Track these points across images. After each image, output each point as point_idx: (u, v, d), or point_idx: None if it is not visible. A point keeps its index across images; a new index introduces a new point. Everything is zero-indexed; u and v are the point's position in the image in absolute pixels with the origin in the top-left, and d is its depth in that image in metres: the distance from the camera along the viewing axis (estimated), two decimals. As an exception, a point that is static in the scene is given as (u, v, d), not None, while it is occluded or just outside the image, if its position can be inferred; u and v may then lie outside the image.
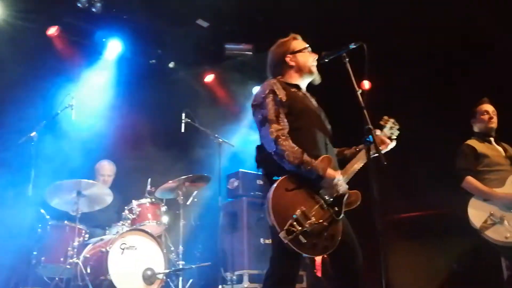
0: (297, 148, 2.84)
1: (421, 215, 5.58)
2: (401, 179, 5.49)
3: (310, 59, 3.18)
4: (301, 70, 3.18)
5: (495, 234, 3.96)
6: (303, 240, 2.69)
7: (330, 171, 2.83)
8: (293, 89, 3.10)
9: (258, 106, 3.00)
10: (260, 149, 3.02)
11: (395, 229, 5.57)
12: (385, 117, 3.24)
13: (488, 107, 4.46)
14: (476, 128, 4.49)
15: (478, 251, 4.38)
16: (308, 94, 3.22)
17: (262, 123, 2.95)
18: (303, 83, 3.22)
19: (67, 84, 5.86)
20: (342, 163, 3.10)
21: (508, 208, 4.04)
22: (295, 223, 2.70)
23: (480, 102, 4.51)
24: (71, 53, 6.18)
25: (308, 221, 2.73)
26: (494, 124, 4.40)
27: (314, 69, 3.18)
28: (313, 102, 3.21)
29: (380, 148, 2.96)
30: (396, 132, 3.23)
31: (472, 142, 4.39)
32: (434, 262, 5.43)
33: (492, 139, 4.42)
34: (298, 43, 3.23)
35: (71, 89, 5.53)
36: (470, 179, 4.17)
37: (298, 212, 2.73)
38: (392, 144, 3.15)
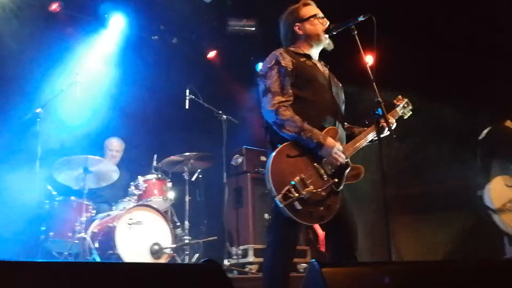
0: (297, 117, 2.85)
1: (428, 189, 5.60)
2: (409, 154, 5.50)
3: (318, 27, 3.12)
4: (310, 39, 3.14)
5: (509, 220, 3.98)
6: (299, 207, 2.71)
7: (329, 140, 2.83)
8: (302, 59, 3.07)
9: (263, 76, 3.02)
10: None
11: (402, 203, 5.60)
12: (399, 96, 3.25)
13: None
14: None
15: (478, 228, 4.40)
16: (319, 64, 3.18)
17: (264, 93, 2.96)
18: (314, 51, 3.19)
19: (71, 61, 5.84)
20: (350, 138, 3.10)
21: None
22: (292, 189, 2.71)
23: None
24: (73, 29, 6.13)
25: (306, 189, 2.74)
26: None
27: (323, 37, 3.13)
28: (325, 72, 3.16)
29: (389, 121, 2.98)
30: (409, 113, 3.25)
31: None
32: (437, 235, 5.49)
33: None
34: (308, 9, 3.17)
35: (75, 65, 5.50)
36: None
37: (297, 178, 2.74)
38: (393, 126, 3.13)
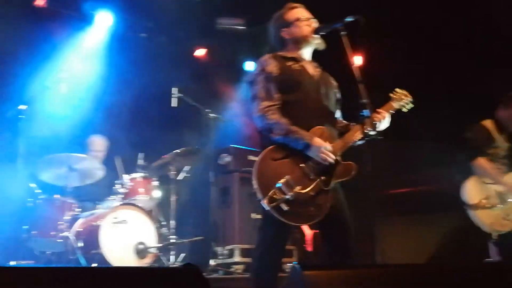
0: (284, 119, 2.88)
1: (412, 191, 5.62)
2: (394, 155, 5.51)
3: (304, 29, 3.12)
4: (298, 42, 3.15)
5: (484, 217, 4.07)
6: (285, 208, 2.72)
7: (316, 139, 2.85)
8: (289, 63, 3.08)
9: (251, 83, 3.06)
10: None
11: (387, 204, 5.61)
12: (397, 89, 3.22)
13: None
14: (501, 116, 4.41)
15: (466, 228, 4.45)
16: (309, 65, 3.17)
17: (252, 99, 3.02)
18: (305, 53, 3.19)
19: (57, 58, 5.76)
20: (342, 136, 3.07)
21: (502, 198, 4.15)
22: (278, 191, 2.73)
23: None
24: (59, 26, 6.04)
25: (292, 190, 2.75)
26: None
27: (311, 38, 3.12)
28: (315, 73, 3.15)
29: (375, 122, 2.98)
30: (409, 105, 3.21)
31: (490, 125, 4.39)
32: (423, 237, 5.51)
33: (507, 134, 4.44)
34: (293, 13, 3.17)
35: (61, 62, 5.43)
36: (481, 160, 4.20)
37: (282, 180, 2.75)
38: (387, 120, 3.10)
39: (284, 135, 2.85)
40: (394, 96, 3.19)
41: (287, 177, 2.78)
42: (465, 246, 4.94)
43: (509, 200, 4.15)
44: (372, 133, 2.97)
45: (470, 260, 4.77)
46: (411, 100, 3.22)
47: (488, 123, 4.39)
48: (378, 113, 3.05)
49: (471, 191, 4.19)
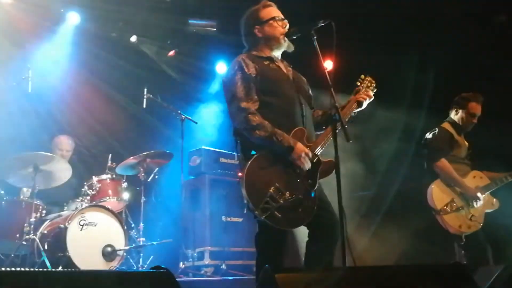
0: (266, 122, 2.87)
1: (380, 192, 5.69)
2: (362, 157, 5.57)
3: (277, 30, 3.12)
4: (269, 42, 3.15)
5: (452, 221, 4.13)
6: (279, 215, 2.74)
7: (299, 145, 2.86)
8: (265, 62, 3.08)
9: (228, 83, 3.02)
10: None
11: (355, 207, 5.67)
12: (362, 76, 3.25)
13: (479, 110, 4.43)
14: (456, 118, 4.48)
15: (433, 229, 4.52)
16: (282, 65, 3.18)
17: (231, 100, 2.97)
18: (276, 53, 3.19)
19: (23, 56, 5.61)
20: (320, 126, 3.16)
21: (466, 200, 4.22)
22: (269, 200, 2.75)
23: (475, 99, 4.43)
24: (27, 23, 5.89)
25: (283, 196, 2.77)
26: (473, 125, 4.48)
27: (282, 40, 3.13)
28: (289, 73, 3.17)
29: (362, 101, 3.07)
30: (374, 91, 3.23)
31: (450, 127, 4.45)
32: (391, 238, 5.57)
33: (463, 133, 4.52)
34: (267, 12, 3.16)
35: (27, 60, 5.29)
36: (444, 161, 4.24)
37: (272, 189, 2.77)
38: (368, 101, 3.15)
39: (267, 137, 2.83)
40: (361, 84, 3.22)
41: (276, 184, 2.79)
42: (433, 247, 5.02)
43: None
44: (355, 111, 3.09)
45: (438, 261, 4.85)
46: (375, 85, 3.25)
47: (447, 126, 4.47)
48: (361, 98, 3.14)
49: (436, 196, 4.23)
